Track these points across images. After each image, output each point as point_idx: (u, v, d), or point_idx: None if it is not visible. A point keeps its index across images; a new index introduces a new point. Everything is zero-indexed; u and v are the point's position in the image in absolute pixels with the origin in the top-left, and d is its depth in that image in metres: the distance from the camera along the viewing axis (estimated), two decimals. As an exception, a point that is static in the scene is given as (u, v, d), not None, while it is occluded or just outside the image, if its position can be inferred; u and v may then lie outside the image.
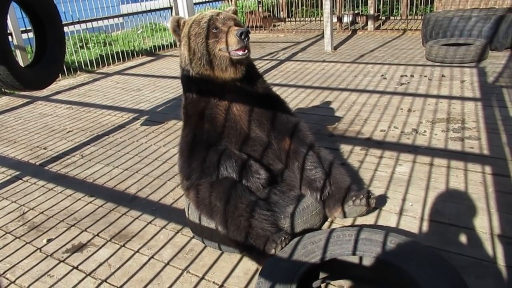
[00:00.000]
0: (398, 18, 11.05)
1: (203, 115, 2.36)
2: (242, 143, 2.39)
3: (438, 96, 4.69)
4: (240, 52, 2.21)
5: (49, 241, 2.60)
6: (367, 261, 1.87)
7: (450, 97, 4.62)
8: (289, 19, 12.68)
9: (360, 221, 2.49)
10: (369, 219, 2.51)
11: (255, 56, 8.00)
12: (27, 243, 2.60)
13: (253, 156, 2.36)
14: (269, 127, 2.46)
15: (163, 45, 9.77)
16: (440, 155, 3.25)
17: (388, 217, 2.52)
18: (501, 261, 2.07)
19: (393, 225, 2.44)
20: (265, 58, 7.80)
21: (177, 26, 2.39)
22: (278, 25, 12.12)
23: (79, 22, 8.01)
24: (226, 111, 2.38)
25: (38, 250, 2.51)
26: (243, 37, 2.15)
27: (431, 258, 1.76)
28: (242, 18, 11.89)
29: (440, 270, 1.68)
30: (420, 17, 9.93)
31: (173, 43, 10.00)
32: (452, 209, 2.54)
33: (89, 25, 8.25)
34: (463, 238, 2.27)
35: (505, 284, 1.93)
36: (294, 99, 5.05)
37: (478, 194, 2.67)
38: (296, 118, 2.57)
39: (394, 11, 11.76)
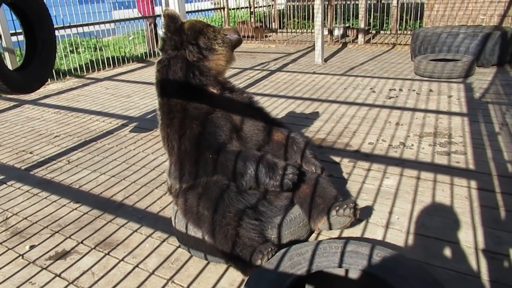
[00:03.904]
0: (388, 32, 11.22)
1: (197, 114, 2.38)
2: (240, 145, 2.41)
3: (425, 111, 4.76)
4: (237, 36, 2.69)
5: (32, 247, 2.55)
6: (353, 274, 1.88)
7: (438, 112, 4.69)
8: (280, 30, 12.80)
9: (346, 233, 2.50)
10: (356, 232, 2.52)
11: (246, 65, 8.04)
12: (9, 249, 2.55)
13: None
14: (264, 131, 2.53)
15: (154, 52, 9.76)
16: (427, 169, 3.28)
17: (374, 230, 2.53)
18: (484, 276, 2.09)
19: (379, 238, 2.45)
20: (256, 68, 7.84)
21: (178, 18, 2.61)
22: (270, 36, 12.21)
23: (70, 27, 7.97)
24: (224, 110, 2.43)
25: (20, 257, 2.46)
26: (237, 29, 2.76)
27: (416, 272, 1.77)
28: (234, 27, 11.96)
29: (425, 284, 1.69)
30: (409, 32, 10.10)
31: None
32: (437, 223, 2.57)
33: (80, 29, 8.21)
34: (447, 252, 2.29)
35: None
36: (284, 110, 5.07)
37: (463, 209, 2.70)
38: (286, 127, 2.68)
39: (384, 25, 11.94)
